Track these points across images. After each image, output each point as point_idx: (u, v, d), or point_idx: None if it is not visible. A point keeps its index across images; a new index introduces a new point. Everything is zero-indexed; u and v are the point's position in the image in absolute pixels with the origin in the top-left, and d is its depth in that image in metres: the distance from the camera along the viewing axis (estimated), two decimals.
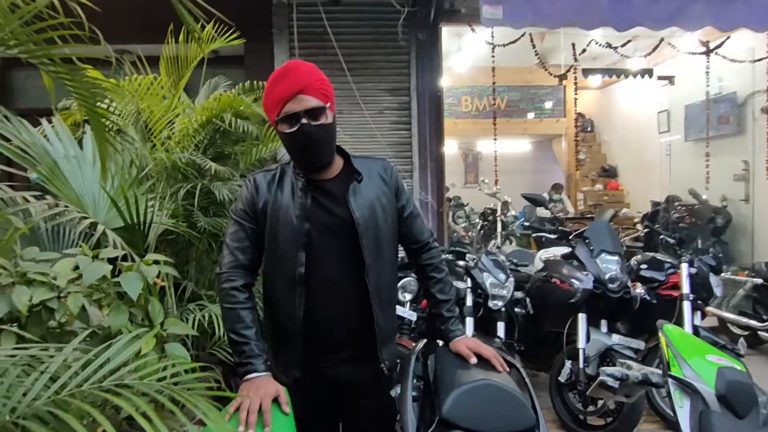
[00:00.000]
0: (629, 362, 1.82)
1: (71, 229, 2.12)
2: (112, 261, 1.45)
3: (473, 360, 1.50)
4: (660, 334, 1.70)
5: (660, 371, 1.72)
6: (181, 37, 3.10)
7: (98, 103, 1.69)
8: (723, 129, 6.42)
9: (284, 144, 1.49)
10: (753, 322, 4.39)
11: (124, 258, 1.88)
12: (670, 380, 1.57)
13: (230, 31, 3.14)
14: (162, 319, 1.37)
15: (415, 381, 1.60)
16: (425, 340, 1.69)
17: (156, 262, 1.44)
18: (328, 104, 1.44)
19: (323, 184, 1.51)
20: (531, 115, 10.14)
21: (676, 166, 7.71)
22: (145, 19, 4.43)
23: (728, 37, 5.08)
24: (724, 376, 1.48)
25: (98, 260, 1.32)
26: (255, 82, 3.93)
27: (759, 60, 5.38)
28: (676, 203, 6.98)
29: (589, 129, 10.30)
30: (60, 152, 2.36)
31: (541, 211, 8.15)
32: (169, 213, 2.59)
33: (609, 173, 9.75)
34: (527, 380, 1.53)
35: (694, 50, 5.48)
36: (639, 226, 7.50)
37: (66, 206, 2.06)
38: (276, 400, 1.29)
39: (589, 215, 8.54)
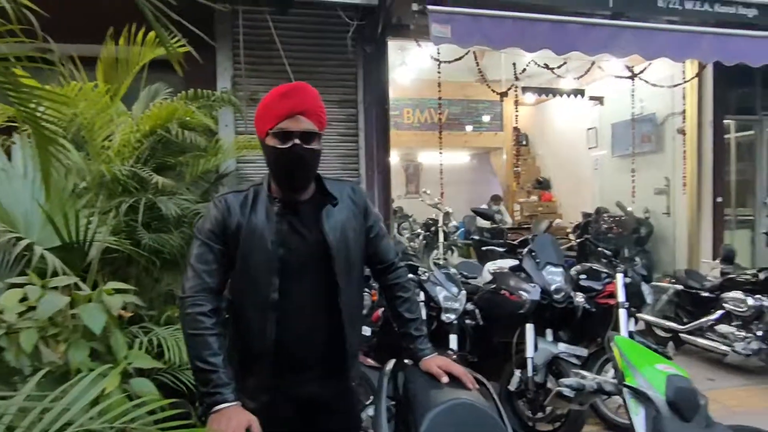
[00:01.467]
0: (583, 372, 1.91)
1: (5, 251, 1.91)
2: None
3: (444, 379, 1.50)
4: (612, 345, 1.79)
5: (612, 380, 1.81)
6: (121, 41, 2.93)
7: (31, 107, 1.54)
8: (645, 147, 6.98)
9: (269, 159, 1.47)
10: (675, 325, 4.75)
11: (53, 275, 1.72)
12: (625, 390, 1.65)
13: (177, 35, 3.00)
14: (125, 353, 1.26)
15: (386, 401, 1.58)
16: (394, 360, 1.68)
17: (118, 290, 1.33)
18: (321, 132, 1.47)
19: (297, 206, 1.50)
20: (470, 128, 10.48)
21: (603, 180, 8.25)
22: (80, 17, 4.14)
23: (650, 64, 5.54)
24: (672, 384, 1.59)
25: (51, 290, 1.19)
26: (198, 90, 3.78)
27: (677, 85, 5.91)
28: (605, 214, 7.46)
29: (524, 143, 10.80)
30: None
31: (481, 222, 8.42)
32: (109, 229, 2.41)
33: (543, 185, 10.26)
34: (495, 396, 1.56)
35: (620, 74, 5.93)
36: (572, 236, 7.93)
37: None
38: (248, 430, 1.25)
39: (526, 226, 8.93)
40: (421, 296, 3.24)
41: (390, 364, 1.65)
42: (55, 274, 1.89)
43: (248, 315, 1.47)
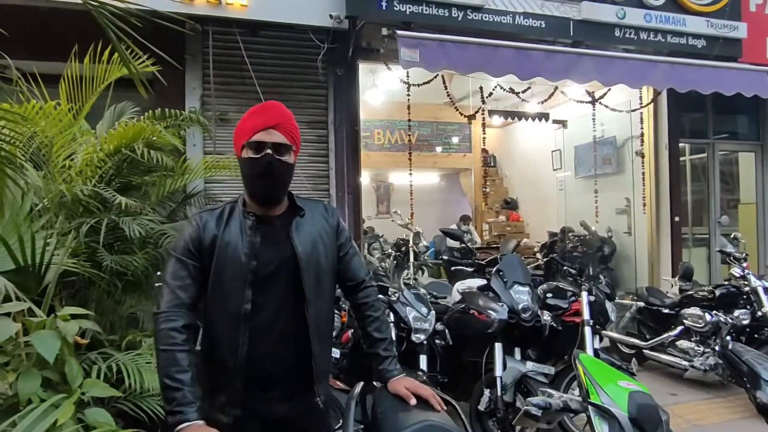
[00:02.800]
0: (550, 390, 1.94)
1: None
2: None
3: (413, 401, 1.50)
4: (577, 363, 1.83)
5: (578, 398, 1.84)
6: (86, 59, 2.88)
7: None
8: (606, 168, 7.25)
9: (243, 171, 1.52)
10: (638, 342, 4.88)
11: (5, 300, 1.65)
12: (590, 407, 1.68)
13: (142, 57, 2.97)
14: (81, 381, 1.20)
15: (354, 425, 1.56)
16: (362, 383, 1.66)
17: (76, 315, 1.27)
18: (293, 147, 1.54)
19: (270, 220, 1.55)
20: (439, 150, 10.65)
21: (568, 200, 8.50)
22: (41, 33, 4.04)
23: (609, 90, 5.80)
24: (635, 400, 1.63)
25: (2, 317, 1.14)
26: (166, 110, 3.73)
27: (634, 110, 6.20)
28: (570, 234, 7.67)
29: (491, 164, 11.04)
30: None
31: (450, 242, 8.50)
32: (68, 252, 2.33)
33: (510, 206, 10.48)
34: (462, 416, 1.57)
35: (581, 98, 6.17)
36: (539, 255, 8.09)
37: None
38: None
39: (494, 245, 9.05)
40: (391, 317, 3.24)
41: (358, 387, 1.64)
42: (7, 299, 1.81)
43: (220, 327, 1.48)
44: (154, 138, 2.93)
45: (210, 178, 4.57)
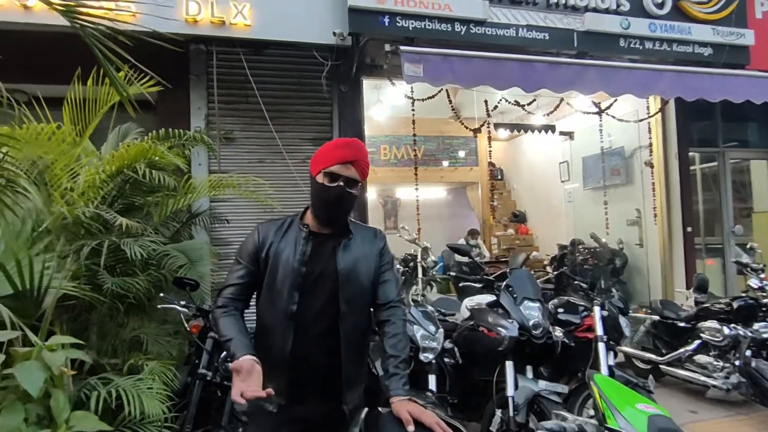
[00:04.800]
0: (564, 413, 1.85)
1: None
2: None
3: (411, 428, 1.46)
4: (592, 384, 1.74)
5: (593, 421, 1.76)
6: (89, 81, 2.88)
7: None
8: (615, 179, 7.15)
9: (314, 193, 1.73)
10: (654, 357, 4.74)
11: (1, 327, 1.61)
12: None
13: (145, 77, 2.96)
14: (68, 415, 1.15)
15: None
16: (366, 409, 1.60)
17: (71, 345, 1.22)
18: (361, 182, 1.74)
19: (322, 236, 1.75)
20: (446, 164, 10.61)
21: (577, 212, 8.38)
22: (45, 58, 4.09)
23: (616, 100, 5.74)
24: (655, 425, 1.54)
25: None
26: (170, 130, 3.73)
27: (642, 120, 6.12)
28: (580, 246, 7.54)
29: (499, 177, 10.96)
30: None
31: (459, 257, 8.40)
32: (69, 275, 2.30)
33: (519, 218, 10.36)
34: None
35: (588, 110, 6.12)
36: (549, 269, 7.96)
37: None
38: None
39: (503, 259, 8.93)
40: None
41: (362, 413, 1.57)
42: (3, 325, 1.77)
43: (270, 324, 1.68)
44: (156, 158, 2.91)
45: (215, 197, 4.56)
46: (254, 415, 1.74)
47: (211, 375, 2.70)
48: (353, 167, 1.68)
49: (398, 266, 8.47)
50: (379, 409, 1.60)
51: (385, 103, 7.64)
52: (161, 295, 2.89)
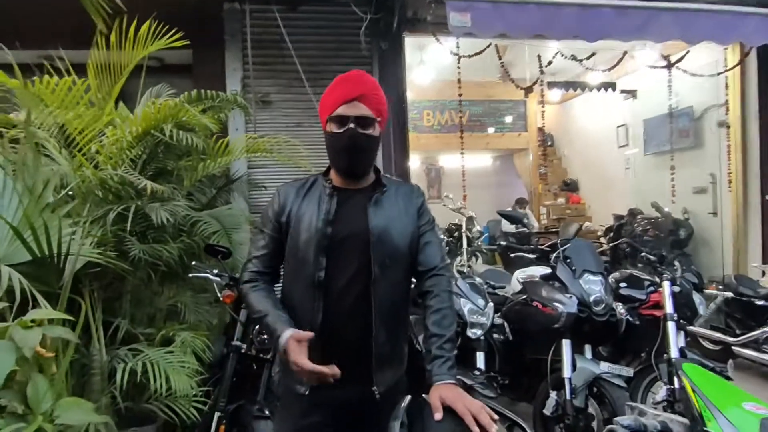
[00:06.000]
0: (641, 406, 1.57)
1: None
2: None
3: (437, 416, 1.26)
4: (682, 376, 1.45)
5: (680, 419, 1.47)
6: (113, 39, 2.70)
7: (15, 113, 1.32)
8: (682, 143, 6.50)
9: (328, 145, 1.53)
10: (727, 338, 4.31)
11: (25, 302, 1.48)
12: None
13: (172, 33, 2.76)
14: (50, 404, 0.98)
15: None
16: (409, 397, 1.38)
17: (50, 320, 1.05)
18: (379, 119, 1.50)
19: (349, 192, 1.53)
20: (492, 130, 10.12)
21: (636, 180, 7.77)
22: (74, 22, 3.97)
23: (688, 52, 5.11)
24: None
25: None
26: (203, 91, 3.55)
27: (719, 74, 5.44)
28: (639, 216, 7.00)
29: (549, 143, 10.37)
30: None
31: (506, 226, 8.04)
32: (94, 241, 2.17)
33: (570, 187, 9.80)
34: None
35: (654, 63, 5.50)
36: (603, 240, 7.48)
37: None
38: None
39: (553, 229, 8.50)
40: None
41: (404, 402, 1.34)
42: (23, 293, 1.65)
43: (297, 296, 1.50)
44: (185, 119, 2.73)
45: (253, 163, 4.41)
46: (285, 397, 1.57)
47: (246, 347, 2.56)
48: (361, 103, 1.45)
49: (442, 236, 8.23)
50: (424, 396, 1.38)
51: (428, 64, 7.23)
52: (193, 263, 2.76)
